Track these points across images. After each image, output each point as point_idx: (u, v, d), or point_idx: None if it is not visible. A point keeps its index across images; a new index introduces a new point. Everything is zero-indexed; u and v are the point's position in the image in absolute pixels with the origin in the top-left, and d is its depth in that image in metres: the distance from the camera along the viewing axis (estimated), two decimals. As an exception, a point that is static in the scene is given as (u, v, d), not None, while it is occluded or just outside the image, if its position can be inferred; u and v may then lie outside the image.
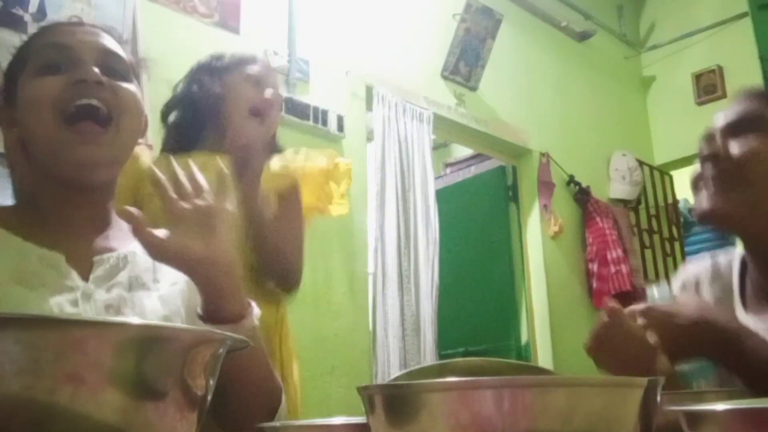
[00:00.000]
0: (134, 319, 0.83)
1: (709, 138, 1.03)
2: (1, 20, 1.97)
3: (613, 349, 0.96)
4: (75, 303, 0.83)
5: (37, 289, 0.82)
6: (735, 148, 0.99)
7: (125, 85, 0.91)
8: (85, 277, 0.86)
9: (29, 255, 0.84)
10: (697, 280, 1.12)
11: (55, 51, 0.90)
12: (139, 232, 0.78)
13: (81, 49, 0.90)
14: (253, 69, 1.58)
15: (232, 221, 0.85)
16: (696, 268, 1.15)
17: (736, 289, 1.06)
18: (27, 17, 2.02)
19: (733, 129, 1.00)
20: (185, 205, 0.82)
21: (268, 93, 1.54)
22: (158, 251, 0.80)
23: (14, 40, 2.01)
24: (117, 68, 0.92)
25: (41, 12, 2.04)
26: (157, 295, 0.91)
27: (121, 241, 0.92)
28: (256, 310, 0.86)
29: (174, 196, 0.82)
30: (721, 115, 1.04)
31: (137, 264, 0.91)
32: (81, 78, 0.87)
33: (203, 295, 0.83)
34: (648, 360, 0.95)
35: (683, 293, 1.14)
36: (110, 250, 0.91)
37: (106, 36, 0.95)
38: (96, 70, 0.88)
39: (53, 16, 2.06)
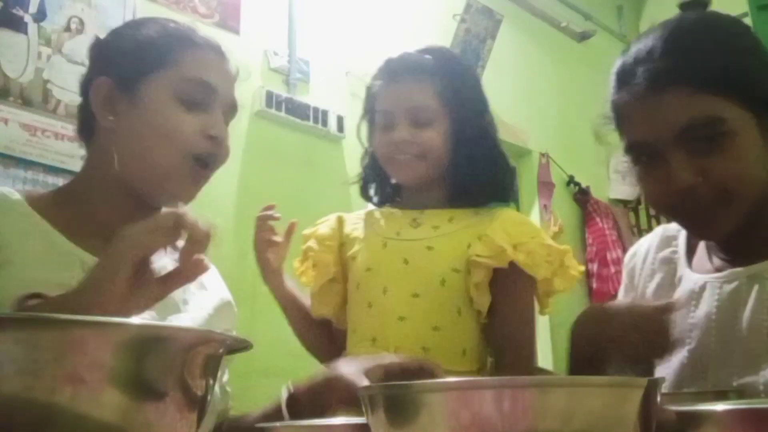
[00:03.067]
0: (134, 319, 0.83)
1: None
2: (1, 20, 1.97)
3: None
4: None
5: None
6: None
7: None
8: None
9: (73, 260, 0.82)
10: (647, 249, 1.16)
11: (201, 89, 0.92)
12: None
13: (222, 94, 0.94)
14: None
15: None
16: (648, 239, 1.18)
17: (682, 250, 1.10)
18: (27, 17, 2.02)
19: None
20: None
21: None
22: None
23: (14, 40, 2.02)
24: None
25: (41, 12, 2.04)
26: (189, 317, 0.90)
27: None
28: None
29: None
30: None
31: None
32: (214, 134, 0.92)
33: None
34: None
35: (629, 281, 1.18)
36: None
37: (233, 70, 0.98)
38: (222, 122, 0.94)
39: (53, 16, 2.06)
